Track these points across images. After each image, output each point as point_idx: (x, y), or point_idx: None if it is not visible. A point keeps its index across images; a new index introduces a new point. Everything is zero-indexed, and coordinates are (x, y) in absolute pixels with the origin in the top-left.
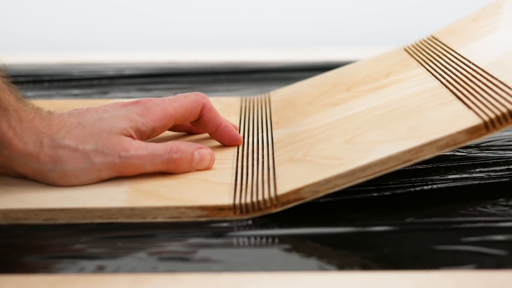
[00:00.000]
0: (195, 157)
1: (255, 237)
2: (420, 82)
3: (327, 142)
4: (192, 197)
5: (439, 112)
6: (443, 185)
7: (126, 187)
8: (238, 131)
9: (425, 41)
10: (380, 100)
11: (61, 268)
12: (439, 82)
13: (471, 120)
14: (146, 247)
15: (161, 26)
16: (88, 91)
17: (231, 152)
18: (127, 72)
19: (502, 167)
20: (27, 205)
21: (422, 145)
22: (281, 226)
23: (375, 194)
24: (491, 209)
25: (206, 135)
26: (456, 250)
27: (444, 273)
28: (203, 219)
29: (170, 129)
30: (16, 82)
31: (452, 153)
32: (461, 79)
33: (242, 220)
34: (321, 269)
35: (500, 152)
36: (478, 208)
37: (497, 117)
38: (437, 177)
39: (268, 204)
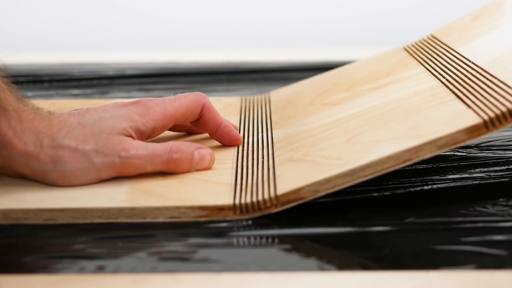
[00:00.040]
0: (195, 157)
1: (255, 237)
2: (420, 81)
3: (327, 142)
4: (192, 197)
5: (438, 111)
6: (443, 185)
7: (126, 187)
8: (238, 131)
9: (425, 40)
10: (380, 99)
11: (61, 268)
12: (438, 81)
13: (470, 119)
14: (146, 247)
15: (161, 26)
16: (88, 91)
17: (231, 152)
18: (127, 72)
19: (502, 167)
20: (27, 205)
21: (422, 145)
22: (281, 226)
23: (375, 194)
24: (491, 209)
25: (206, 135)
26: (456, 250)
27: (444, 273)
28: (203, 219)
29: (170, 129)
30: (16, 82)
31: (452, 153)
32: (460, 78)
33: (242, 220)
34: (321, 269)
35: (500, 152)
36: (478, 208)
37: (497, 116)
38: (437, 177)
39: (268, 204)
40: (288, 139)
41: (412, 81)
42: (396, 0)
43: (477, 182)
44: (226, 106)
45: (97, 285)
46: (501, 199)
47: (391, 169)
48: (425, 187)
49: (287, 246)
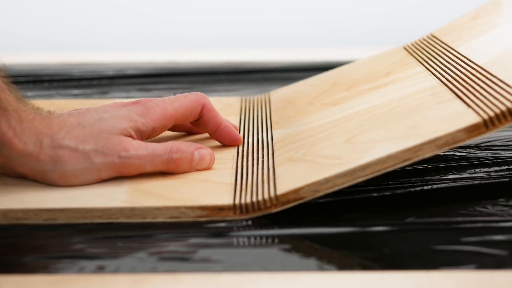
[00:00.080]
0: (195, 157)
1: (255, 237)
2: (420, 81)
3: (327, 142)
4: (192, 197)
5: (438, 110)
6: (443, 185)
7: (126, 187)
8: (238, 131)
9: (424, 39)
10: (379, 99)
11: (61, 268)
12: (438, 80)
13: (470, 118)
14: (146, 247)
15: (161, 26)
16: (88, 91)
17: (231, 152)
18: (127, 72)
19: (502, 167)
20: (27, 205)
21: (422, 144)
22: (281, 226)
23: (375, 194)
24: (491, 209)
25: (206, 135)
26: (456, 250)
27: (443, 273)
28: (203, 219)
29: (170, 129)
30: (16, 82)
31: (452, 153)
32: (460, 78)
33: (242, 220)
34: (321, 269)
35: (500, 152)
36: (478, 208)
37: (497, 115)
38: (437, 177)
39: (268, 204)
40: (288, 139)
41: (412, 81)
42: (396, 0)
43: (477, 182)
44: (226, 106)
45: (97, 285)
46: (501, 199)
47: (391, 169)
48: (425, 187)
49: (287, 246)
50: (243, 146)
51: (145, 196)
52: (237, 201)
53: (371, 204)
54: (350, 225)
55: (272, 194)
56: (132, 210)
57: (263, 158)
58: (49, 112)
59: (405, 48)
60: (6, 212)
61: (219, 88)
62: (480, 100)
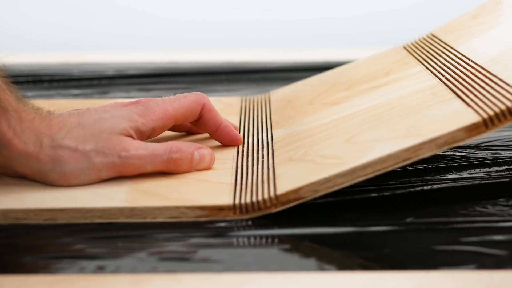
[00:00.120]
0: (195, 157)
1: (255, 237)
2: (419, 80)
3: (327, 141)
4: (192, 197)
5: (438, 110)
6: (443, 185)
7: (126, 187)
8: (238, 131)
9: (424, 39)
10: (379, 98)
11: (61, 268)
12: (438, 80)
13: (470, 117)
14: (146, 247)
15: (161, 26)
16: (88, 91)
17: (231, 152)
18: (127, 72)
19: (502, 167)
20: (27, 205)
21: (422, 143)
22: (280, 226)
23: (375, 194)
24: (491, 209)
25: (206, 135)
26: (456, 250)
27: (443, 273)
28: (203, 219)
29: (170, 129)
30: (16, 82)
31: (452, 153)
32: (460, 77)
33: (242, 220)
34: (321, 269)
35: (500, 152)
36: (478, 208)
37: (496, 114)
38: (437, 177)
39: (268, 204)
40: (288, 139)
41: (411, 80)
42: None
43: (477, 182)
44: (226, 106)
45: (97, 285)
46: (501, 199)
47: (391, 168)
48: (425, 187)
49: (287, 246)
50: (243, 146)
51: (145, 196)
52: (237, 201)
53: (371, 204)
54: (350, 225)
55: (272, 194)
56: (132, 210)
57: (263, 158)
58: (49, 112)
59: (404, 48)
60: (6, 212)
61: (219, 88)
62: (480, 99)
